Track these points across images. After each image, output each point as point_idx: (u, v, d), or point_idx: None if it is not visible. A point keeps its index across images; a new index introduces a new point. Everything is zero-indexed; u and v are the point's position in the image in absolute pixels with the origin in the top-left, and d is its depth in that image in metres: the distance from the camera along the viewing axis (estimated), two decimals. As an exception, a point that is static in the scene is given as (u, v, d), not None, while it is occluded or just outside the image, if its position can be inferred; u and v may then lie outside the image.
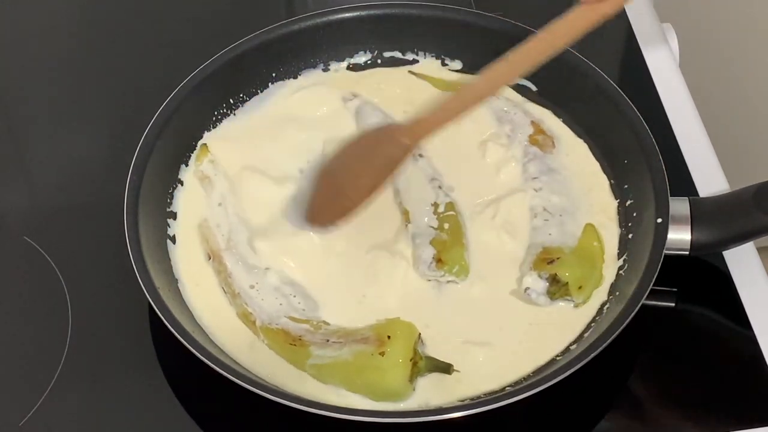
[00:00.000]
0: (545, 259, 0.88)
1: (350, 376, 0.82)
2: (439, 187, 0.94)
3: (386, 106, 1.01)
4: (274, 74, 1.03)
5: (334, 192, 0.90)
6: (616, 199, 0.94)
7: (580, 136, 0.99)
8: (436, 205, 0.93)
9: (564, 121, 1.00)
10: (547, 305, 0.88)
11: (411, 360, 0.82)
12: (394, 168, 0.88)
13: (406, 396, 0.82)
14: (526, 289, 0.88)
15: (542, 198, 0.93)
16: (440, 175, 0.96)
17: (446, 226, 0.91)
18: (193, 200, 0.95)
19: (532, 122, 0.99)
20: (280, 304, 0.87)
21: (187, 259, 0.91)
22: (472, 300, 0.89)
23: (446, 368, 0.83)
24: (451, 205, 0.93)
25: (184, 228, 0.93)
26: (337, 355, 0.83)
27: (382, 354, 0.81)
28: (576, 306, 0.88)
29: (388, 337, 0.82)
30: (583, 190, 0.95)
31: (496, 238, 0.91)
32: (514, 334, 0.86)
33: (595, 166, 0.97)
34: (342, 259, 0.91)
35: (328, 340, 0.84)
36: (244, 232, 0.92)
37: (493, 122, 0.99)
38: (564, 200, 0.93)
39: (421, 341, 0.84)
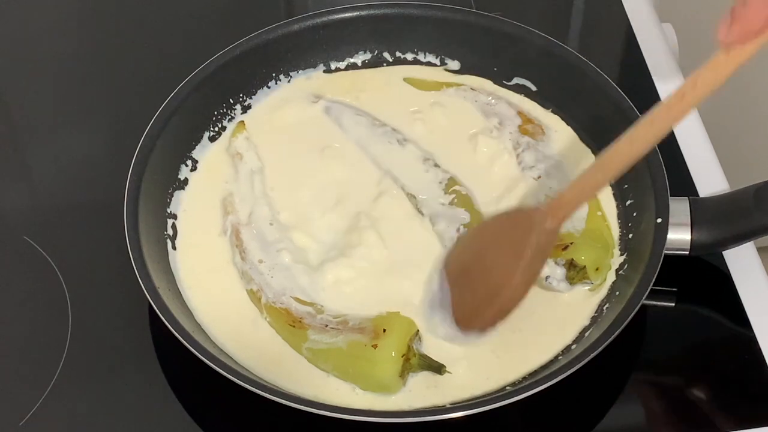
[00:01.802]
0: (558, 246, 0.89)
1: (342, 364, 0.83)
2: (435, 166, 0.96)
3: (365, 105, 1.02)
4: (274, 74, 1.03)
5: (489, 294, 0.83)
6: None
7: (566, 122, 1.00)
8: (439, 183, 0.95)
9: (548, 109, 1.01)
10: (567, 291, 0.88)
11: (403, 356, 0.82)
12: (546, 258, 0.84)
13: (396, 389, 0.82)
14: (547, 277, 0.88)
15: (542, 185, 0.94)
16: (431, 154, 0.97)
17: (456, 200, 0.93)
18: (216, 175, 0.97)
19: (519, 113, 1.00)
20: (288, 284, 0.88)
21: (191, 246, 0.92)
22: None
23: (438, 368, 0.83)
24: (453, 181, 0.95)
25: (195, 205, 0.95)
26: (332, 342, 0.84)
27: (374, 346, 0.82)
28: (591, 289, 0.88)
29: (384, 330, 0.82)
30: (577, 171, 0.95)
31: None
32: (540, 322, 0.87)
33: (580, 145, 0.98)
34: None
35: (326, 326, 0.85)
36: (267, 209, 0.93)
37: (480, 117, 1.00)
38: (563, 185, 0.94)
39: (419, 338, 0.84)
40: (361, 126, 0.99)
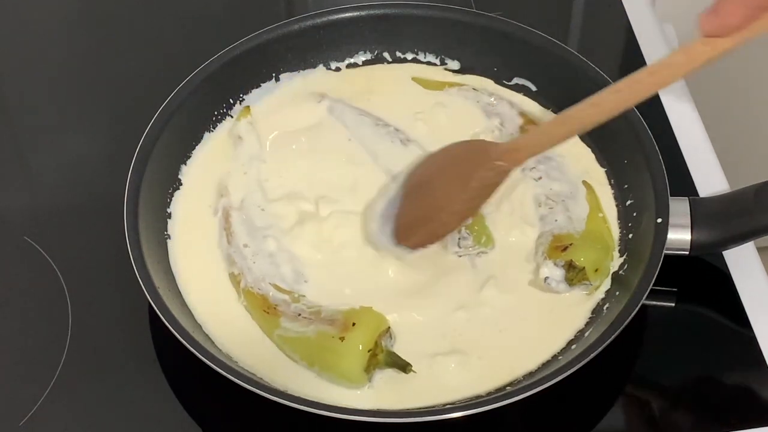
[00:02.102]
0: (558, 247, 0.89)
1: (310, 353, 0.84)
2: None
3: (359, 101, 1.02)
4: (273, 74, 1.03)
5: (427, 214, 0.88)
6: (603, 167, 0.96)
7: None
8: None
9: (548, 108, 1.01)
10: (567, 291, 0.88)
11: (369, 351, 0.82)
12: (491, 194, 0.87)
13: (360, 384, 0.82)
14: (546, 278, 0.88)
15: (543, 187, 0.94)
16: None
17: None
18: (218, 156, 0.97)
19: (520, 113, 1.00)
20: (269, 271, 0.89)
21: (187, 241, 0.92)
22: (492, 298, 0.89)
23: (404, 366, 0.83)
24: None
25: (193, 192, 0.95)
26: (302, 331, 0.84)
27: (342, 338, 0.82)
28: (591, 291, 0.88)
29: (353, 323, 0.83)
30: (578, 172, 0.96)
31: (521, 234, 0.92)
32: (534, 324, 0.87)
33: (580, 145, 0.98)
34: (351, 248, 0.92)
35: (299, 315, 0.85)
36: (260, 196, 0.94)
37: (482, 117, 1.00)
38: (564, 186, 0.94)
39: (389, 335, 0.84)
40: (364, 125, 0.99)
